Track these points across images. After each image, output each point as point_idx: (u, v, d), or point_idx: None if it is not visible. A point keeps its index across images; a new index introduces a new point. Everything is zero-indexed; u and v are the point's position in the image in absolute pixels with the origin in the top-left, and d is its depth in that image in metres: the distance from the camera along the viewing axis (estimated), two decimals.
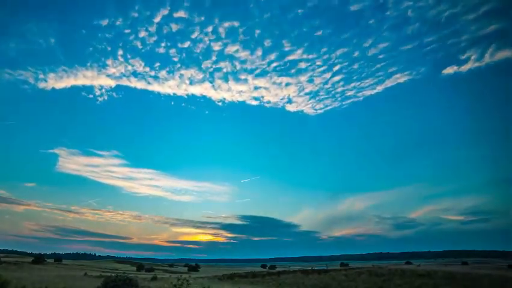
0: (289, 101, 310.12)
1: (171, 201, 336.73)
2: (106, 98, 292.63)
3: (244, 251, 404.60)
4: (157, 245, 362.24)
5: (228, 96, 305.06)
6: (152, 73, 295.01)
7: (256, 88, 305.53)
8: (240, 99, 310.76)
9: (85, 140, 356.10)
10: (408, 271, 30.52)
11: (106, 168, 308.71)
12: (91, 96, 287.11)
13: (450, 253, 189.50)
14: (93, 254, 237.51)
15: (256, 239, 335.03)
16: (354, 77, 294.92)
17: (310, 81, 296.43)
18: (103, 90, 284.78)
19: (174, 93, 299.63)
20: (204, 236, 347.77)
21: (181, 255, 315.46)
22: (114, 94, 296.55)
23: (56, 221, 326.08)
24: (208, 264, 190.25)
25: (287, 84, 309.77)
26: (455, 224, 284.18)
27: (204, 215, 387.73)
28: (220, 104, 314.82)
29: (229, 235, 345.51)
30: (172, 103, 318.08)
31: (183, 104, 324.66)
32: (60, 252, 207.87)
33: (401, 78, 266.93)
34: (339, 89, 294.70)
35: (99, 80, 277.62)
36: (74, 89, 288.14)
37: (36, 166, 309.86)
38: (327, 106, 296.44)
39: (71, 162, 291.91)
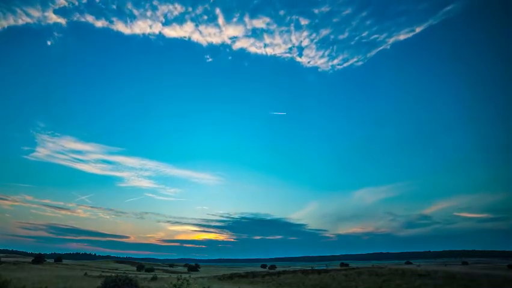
0: (300, 51, 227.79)
1: (166, 195, 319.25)
2: (59, 47, 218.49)
3: (245, 251, 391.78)
4: (155, 244, 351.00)
5: (218, 41, 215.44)
6: (114, 6, 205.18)
7: (255, 31, 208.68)
8: (235, 47, 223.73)
9: (58, 115, 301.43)
10: (409, 271, 30.51)
11: (93, 157, 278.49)
12: (41, 43, 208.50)
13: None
14: (93, 253, 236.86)
15: (257, 237, 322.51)
16: (387, 12, 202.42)
17: (328, 18, 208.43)
18: (55, 34, 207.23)
19: (146, 36, 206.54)
20: (203, 235, 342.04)
21: (181, 255, 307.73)
22: (69, 40, 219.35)
23: (46, 218, 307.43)
24: (209, 264, 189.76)
25: (297, 27, 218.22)
26: (471, 222, 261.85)
27: (201, 213, 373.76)
28: (209, 58, 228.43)
29: (230, 234, 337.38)
30: (145, 53, 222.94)
31: (159, 53, 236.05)
32: (59, 252, 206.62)
33: (452, 10, 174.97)
34: (365, 33, 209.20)
35: (46, 18, 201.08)
36: (15, 31, 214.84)
37: (13, 154, 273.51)
38: (346, 61, 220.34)
39: (50, 149, 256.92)
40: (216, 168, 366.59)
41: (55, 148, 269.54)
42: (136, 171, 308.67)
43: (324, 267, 51.13)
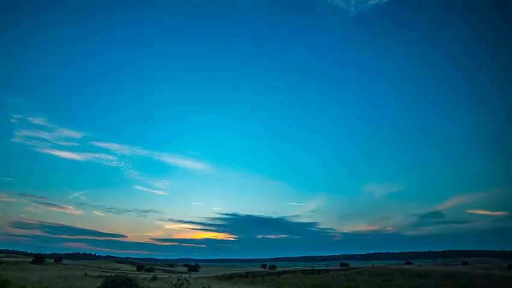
0: None
1: (160, 189, 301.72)
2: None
3: (246, 251, 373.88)
4: (153, 244, 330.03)
5: None
6: None
7: None
8: None
9: (27, 91, 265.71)
10: (408, 271, 30.54)
11: (76, 144, 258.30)
12: None
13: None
14: (92, 253, 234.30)
15: (259, 236, 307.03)
16: None
17: None
18: None
19: None
20: (203, 234, 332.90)
21: (181, 254, 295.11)
22: None
23: (39, 216, 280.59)
24: (209, 264, 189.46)
25: None
26: (486, 220, 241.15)
27: (200, 210, 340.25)
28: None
29: (230, 233, 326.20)
30: None
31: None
32: (59, 252, 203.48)
33: None
34: None
35: None
36: None
37: None
38: None
39: (29, 134, 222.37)
40: (214, 162, 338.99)
41: (36, 134, 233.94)
42: (126, 162, 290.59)
43: (324, 267, 51.15)
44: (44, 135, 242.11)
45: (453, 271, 30.07)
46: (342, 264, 67.66)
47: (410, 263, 72.11)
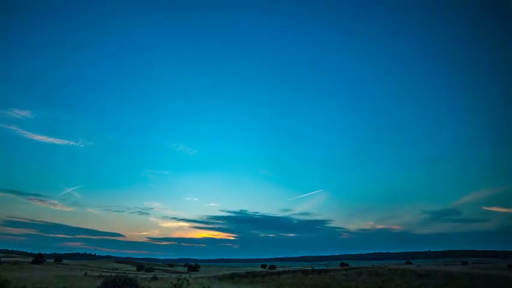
0: None
1: (154, 182, 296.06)
2: None
3: (247, 250, 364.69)
4: (152, 243, 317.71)
5: None
6: None
7: None
8: None
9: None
10: (408, 271, 30.54)
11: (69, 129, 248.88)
12: None
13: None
14: (92, 253, 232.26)
15: (261, 235, 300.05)
16: None
17: None
18: None
19: None
20: (203, 233, 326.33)
21: (180, 254, 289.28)
22: None
23: (33, 214, 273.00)
24: (209, 264, 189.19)
25: None
26: (502, 218, 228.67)
27: (199, 208, 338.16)
28: None
29: (230, 232, 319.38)
30: None
31: None
32: (59, 252, 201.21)
33: None
34: None
35: None
36: None
37: None
38: None
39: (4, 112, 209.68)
40: (212, 157, 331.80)
41: (6, 113, 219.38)
42: (112, 150, 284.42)
43: (324, 267, 51.15)
44: (15, 113, 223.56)
45: (453, 271, 30.07)
46: (342, 264, 67.65)
47: (410, 263, 72.12)
